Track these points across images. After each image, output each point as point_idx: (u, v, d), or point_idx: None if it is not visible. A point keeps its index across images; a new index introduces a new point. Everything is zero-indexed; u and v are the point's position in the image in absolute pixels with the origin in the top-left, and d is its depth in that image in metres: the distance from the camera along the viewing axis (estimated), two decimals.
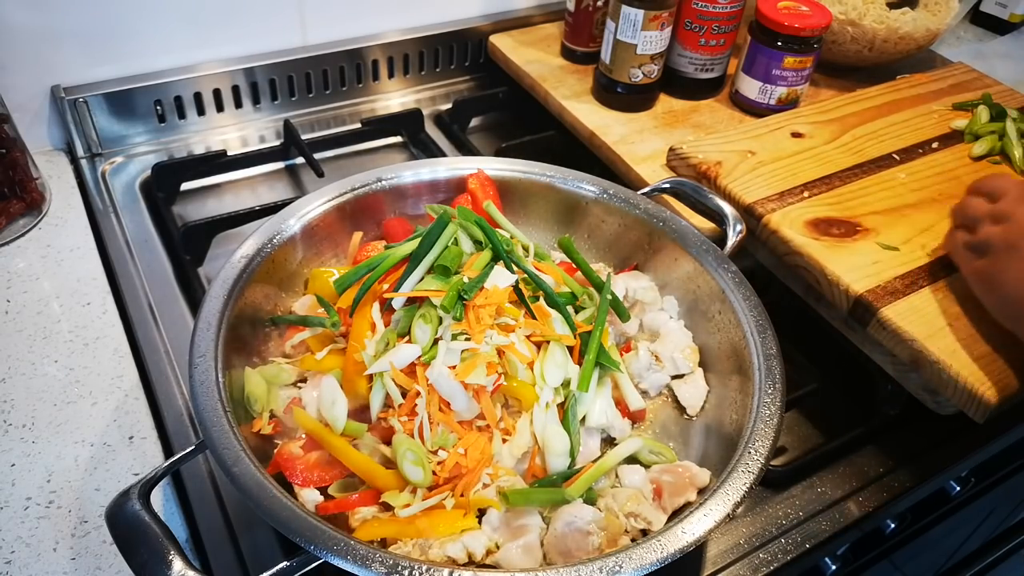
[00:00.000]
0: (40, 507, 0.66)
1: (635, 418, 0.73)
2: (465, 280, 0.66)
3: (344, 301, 0.70)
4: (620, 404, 0.71)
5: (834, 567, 0.84)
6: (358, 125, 1.13)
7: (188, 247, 0.91)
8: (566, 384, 0.67)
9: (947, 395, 0.70)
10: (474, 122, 1.22)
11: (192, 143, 1.09)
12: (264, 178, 1.07)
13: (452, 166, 0.84)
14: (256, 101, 1.12)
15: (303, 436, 0.64)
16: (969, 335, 0.71)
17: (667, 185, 0.86)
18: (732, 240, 0.78)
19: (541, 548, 0.59)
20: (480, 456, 0.61)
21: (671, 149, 0.95)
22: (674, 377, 0.75)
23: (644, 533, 0.61)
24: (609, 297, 0.73)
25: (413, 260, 0.68)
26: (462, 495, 0.60)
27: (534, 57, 1.18)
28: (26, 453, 0.69)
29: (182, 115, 1.08)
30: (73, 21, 0.97)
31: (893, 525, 0.89)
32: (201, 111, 1.09)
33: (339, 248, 0.80)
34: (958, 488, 0.95)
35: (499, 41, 1.21)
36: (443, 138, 1.16)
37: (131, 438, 0.72)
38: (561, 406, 0.66)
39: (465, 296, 0.65)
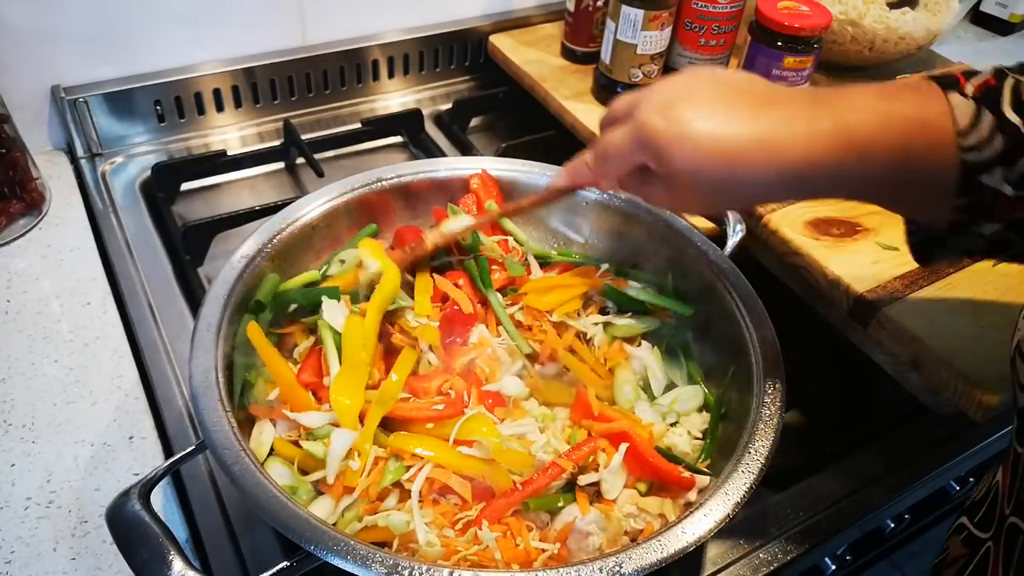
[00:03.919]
0: (40, 507, 0.66)
1: None
2: None
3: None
4: None
5: (834, 567, 0.84)
6: (358, 125, 1.13)
7: (188, 247, 0.91)
8: None
9: (947, 395, 0.70)
10: (474, 122, 1.22)
11: (192, 143, 1.09)
12: (264, 178, 1.07)
13: (452, 166, 0.84)
14: (256, 101, 1.12)
15: None
16: (969, 335, 0.71)
17: None
18: (732, 240, 0.78)
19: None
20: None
21: None
22: None
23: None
24: None
25: None
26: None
27: (534, 57, 1.18)
28: (26, 453, 0.69)
29: (182, 115, 1.08)
30: (73, 21, 0.97)
31: (893, 525, 0.89)
32: (201, 111, 1.09)
33: (339, 248, 0.80)
34: (958, 488, 0.95)
35: (499, 41, 1.21)
36: (443, 138, 1.16)
37: (131, 438, 0.72)
38: None
39: None
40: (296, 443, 0.63)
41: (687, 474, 0.62)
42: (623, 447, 0.62)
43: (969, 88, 0.51)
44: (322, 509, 0.59)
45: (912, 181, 0.52)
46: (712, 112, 0.52)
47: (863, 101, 0.51)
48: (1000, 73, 0.51)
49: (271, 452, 0.63)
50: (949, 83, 0.51)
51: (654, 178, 0.56)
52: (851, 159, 0.50)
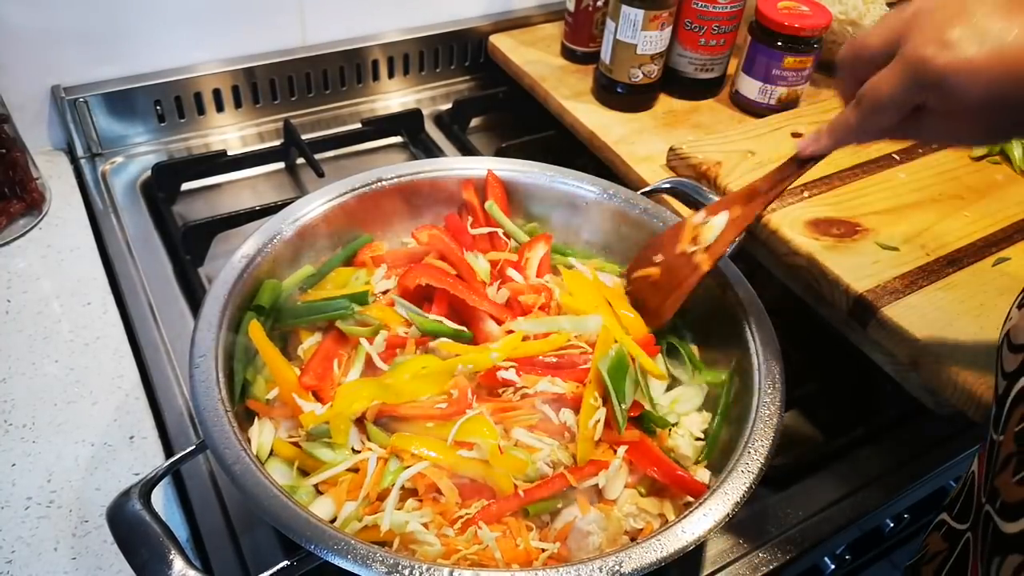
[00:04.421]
0: (40, 507, 0.66)
1: None
2: None
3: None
4: None
5: (833, 567, 0.84)
6: (358, 125, 1.13)
7: (188, 247, 0.91)
8: None
9: (947, 395, 0.70)
10: (474, 122, 1.22)
11: (192, 143, 1.09)
12: (264, 178, 1.07)
13: (453, 166, 0.84)
14: (256, 101, 1.12)
15: None
16: (969, 335, 0.71)
17: (667, 185, 0.86)
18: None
19: None
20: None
21: (671, 149, 0.95)
22: None
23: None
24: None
25: None
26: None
27: (534, 57, 1.18)
28: (26, 453, 0.69)
29: (182, 115, 1.08)
30: (73, 21, 0.97)
31: (892, 525, 0.89)
32: (201, 111, 1.09)
33: (339, 249, 0.80)
34: (957, 488, 0.94)
35: (499, 41, 1.21)
36: (443, 138, 1.16)
37: (131, 438, 0.72)
38: None
39: None
40: (296, 444, 0.63)
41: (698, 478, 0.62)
42: (622, 450, 0.63)
43: None
44: (322, 509, 0.59)
45: None
46: (1000, 29, 0.46)
47: None
48: None
49: (271, 453, 0.63)
50: None
51: (931, 115, 0.51)
52: None
